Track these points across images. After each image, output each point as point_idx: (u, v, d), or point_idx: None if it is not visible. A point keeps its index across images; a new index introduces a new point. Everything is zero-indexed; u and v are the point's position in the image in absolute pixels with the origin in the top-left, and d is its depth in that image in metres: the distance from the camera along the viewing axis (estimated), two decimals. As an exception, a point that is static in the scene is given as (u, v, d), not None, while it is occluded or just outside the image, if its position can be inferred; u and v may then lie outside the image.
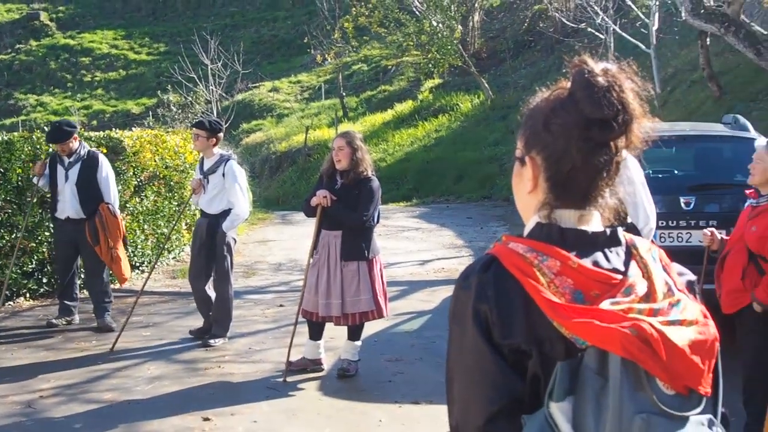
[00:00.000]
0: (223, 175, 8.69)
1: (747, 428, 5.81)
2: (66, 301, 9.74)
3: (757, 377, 5.74)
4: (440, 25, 28.97)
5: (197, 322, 9.36)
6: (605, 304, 1.84)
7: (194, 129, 8.96)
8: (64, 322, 9.67)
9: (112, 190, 9.47)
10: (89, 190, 9.35)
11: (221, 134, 8.92)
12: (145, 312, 10.34)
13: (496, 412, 1.85)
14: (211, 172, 8.76)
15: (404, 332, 9.40)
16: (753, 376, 5.80)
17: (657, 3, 19.49)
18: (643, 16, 20.11)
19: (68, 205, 9.36)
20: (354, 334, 7.86)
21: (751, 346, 5.84)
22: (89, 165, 9.38)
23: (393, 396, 7.29)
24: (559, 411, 1.78)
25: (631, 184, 5.28)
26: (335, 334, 8.42)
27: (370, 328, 8.61)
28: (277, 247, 15.25)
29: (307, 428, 6.56)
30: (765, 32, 14.30)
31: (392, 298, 9.67)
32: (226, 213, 8.74)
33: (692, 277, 2.07)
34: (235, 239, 9.03)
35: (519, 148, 2.05)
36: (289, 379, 7.69)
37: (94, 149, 9.75)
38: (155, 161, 12.95)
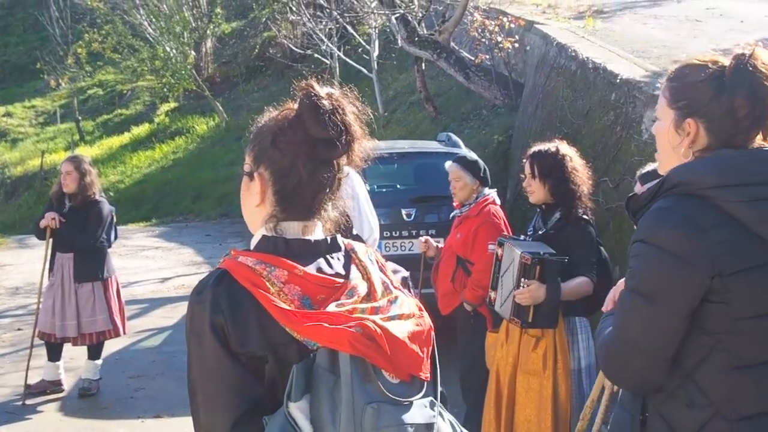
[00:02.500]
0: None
1: (467, 417, 6.08)
2: None
3: (471, 371, 6.02)
4: (174, 51, 28.51)
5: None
6: (331, 307, 1.91)
7: None
8: None
9: None
10: None
11: None
12: None
13: (240, 416, 1.88)
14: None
15: (145, 348, 9.21)
16: (467, 369, 6.08)
17: (376, 31, 20.06)
18: (364, 43, 20.65)
19: None
20: (94, 353, 7.62)
21: (464, 344, 6.14)
22: None
23: (135, 412, 7.14)
24: (297, 409, 1.83)
25: (356, 198, 5.43)
26: (75, 354, 8.10)
27: (111, 346, 8.35)
28: (14, 271, 14.46)
29: (48, 449, 6.29)
30: (472, 58, 15.07)
31: (133, 315, 9.45)
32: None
33: (405, 273, 2.20)
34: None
35: (248, 163, 2.09)
36: (29, 402, 7.35)
37: None
38: None
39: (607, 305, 2.78)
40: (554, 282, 4.67)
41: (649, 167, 4.61)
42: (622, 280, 2.79)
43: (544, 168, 4.93)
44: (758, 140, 2.42)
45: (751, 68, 2.35)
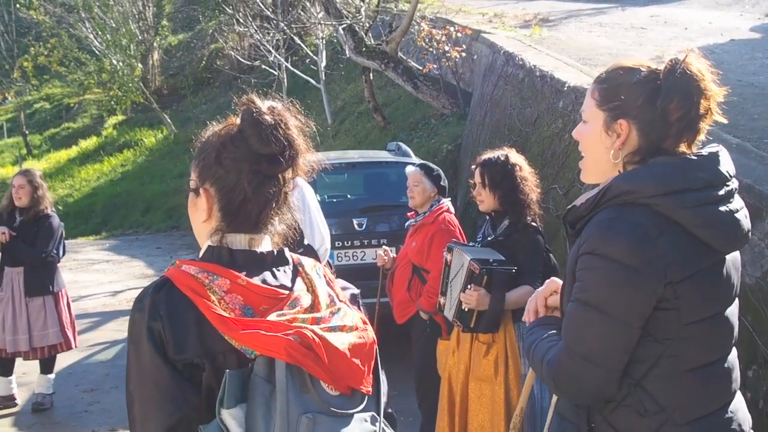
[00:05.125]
0: None
1: (422, 428, 6.10)
2: None
3: (426, 380, 5.99)
4: (120, 63, 28.29)
5: None
6: (272, 316, 1.90)
7: None
8: None
9: None
10: None
11: None
12: None
13: (175, 423, 1.86)
14: None
15: (98, 362, 9.10)
16: (422, 378, 6.06)
17: (324, 42, 20.05)
18: (312, 54, 20.62)
19: None
20: (46, 367, 7.53)
21: (419, 352, 6.11)
22: None
23: (90, 425, 7.06)
24: (231, 417, 1.80)
25: (307, 208, 5.42)
26: (28, 369, 7.99)
27: (64, 360, 8.26)
28: (-38, 287, 14.22)
29: (2, 466, 6.21)
30: (420, 68, 15.12)
31: (85, 329, 9.34)
32: None
33: (356, 290, 2.18)
34: None
35: (193, 179, 2.07)
36: (-19, 418, 7.23)
37: None
38: None
39: (529, 316, 2.75)
40: (499, 293, 4.72)
41: None
42: (540, 289, 2.78)
43: (494, 178, 4.95)
44: (682, 147, 2.44)
45: (687, 72, 2.37)
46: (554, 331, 2.56)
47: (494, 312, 4.74)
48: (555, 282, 2.72)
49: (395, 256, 6.36)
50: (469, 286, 4.72)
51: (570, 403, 2.53)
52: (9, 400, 7.58)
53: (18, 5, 30.89)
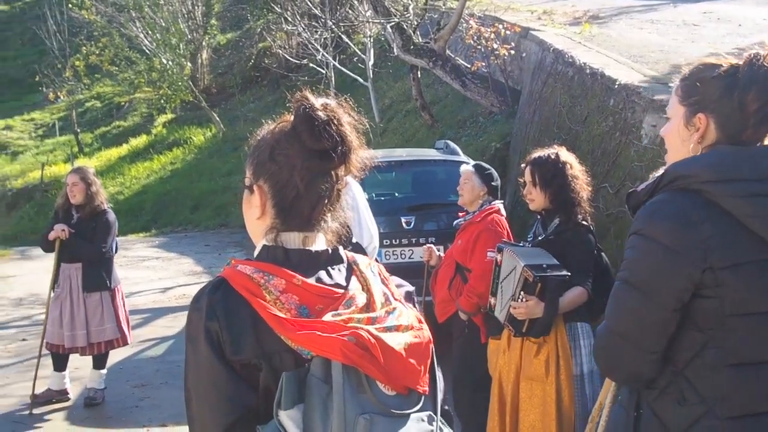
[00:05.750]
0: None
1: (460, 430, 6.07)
2: None
3: (463, 381, 5.97)
4: (170, 62, 28.55)
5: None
6: (327, 316, 1.89)
7: None
8: None
9: None
10: None
11: None
12: None
13: (232, 423, 1.87)
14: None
15: (149, 358, 9.20)
16: (458, 380, 6.02)
17: (371, 40, 20.07)
18: (359, 52, 20.65)
19: None
20: (99, 362, 7.64)
21: (457, 353, 6.07)
22: None
23: (140, 420, 7.13)
24: (288, 418, 1.80)
25: (356, 207, 5.42)
26: (80, 363, 8.09)
27: (115, 356, 8.36)
28: (17, 283, 14.45)
29: (56, 459, 6.29)
30: (468, 66, 15.07)
31: (136, 325, 9.44)
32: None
33: (410, 288, 2.16)
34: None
35: (247, 176, 2.08)
36: (36, 411, 7.36)
37: None
38: None
39: None
40: (554, 300, 4.67)
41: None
42: None
43: (545, 176, 4.90)
44: (767, 140, 2.45)
45: (766, 65, 2.39)
46: None
47: (547, 319, 4.70)
48: None
49: (442, 255, 6.33)
50: (521, 294, 4.67)
51: (616, 383, 2.64)
52: (62, 395, 7.69)
53: (70, 5, 31.27)
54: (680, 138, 2.52)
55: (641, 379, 2.43)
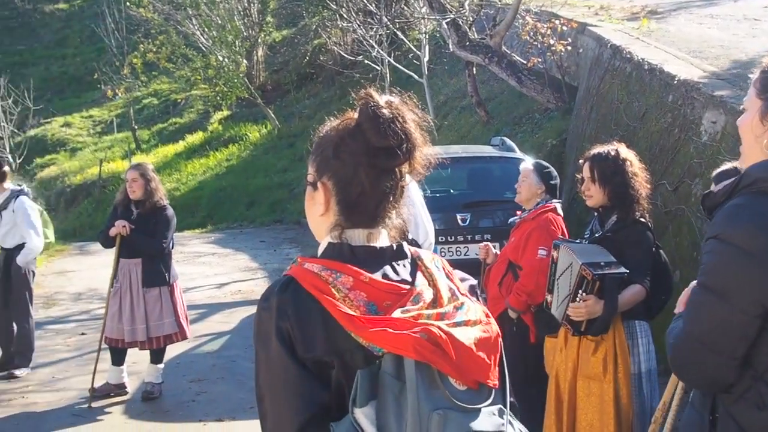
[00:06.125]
0: (14, 210, 8.30)
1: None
2: None
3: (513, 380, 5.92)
4: (226, 59, 28.75)
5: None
6: (396, 313, 1.89)
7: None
8: None
9: None
10: None
11: (6, 169, 8.44)
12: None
13: (306, 421, 1.88)
14: (3, 208, 8.34)
15: (205, 353, 9.29)
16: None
17: (427, 36, 20.04)
18: (414, 49, 20.63)
19: None
20: (157, 357, 7.73)
21: (506, 352, 6.02)
22: None
23: (197, 415, 7.21)
24: (363, 415, 1.82)
25: (412, 204, 5.42)
26: (138, 358, 8.20)
27: (172, 350, 8.45)
28: (76, 278, 14.69)
29: (115, 451, 6.38)
30: (524, 62, 14.99)
31: (192, 320, 9.52)
32: (20, 247, 8.33)
33: (473, 281, 2.17)
34: (33, 272, 8.64)
35: (311, 173, 2.08)
36: (94, 404, 7.47)
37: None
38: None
39: (679, 307, 2.73)
40: (612, 298, 4.63)
41: (725, 167, 4.55)
42: (695, 282, 2.75)
43: (605, 173, 4.86)
44: None
45: None
46: None
47: (606, 317, 4.66)
48: None
49: (497, 252, 6.31)
50: (579, 293, 4.63)
51: (693, 389, 2.56)
52: (120, 389, 7.80)
53: (128, 3, 31.69)
54: (754, 133, 2.44)
55: (719, 384, 2.38)
